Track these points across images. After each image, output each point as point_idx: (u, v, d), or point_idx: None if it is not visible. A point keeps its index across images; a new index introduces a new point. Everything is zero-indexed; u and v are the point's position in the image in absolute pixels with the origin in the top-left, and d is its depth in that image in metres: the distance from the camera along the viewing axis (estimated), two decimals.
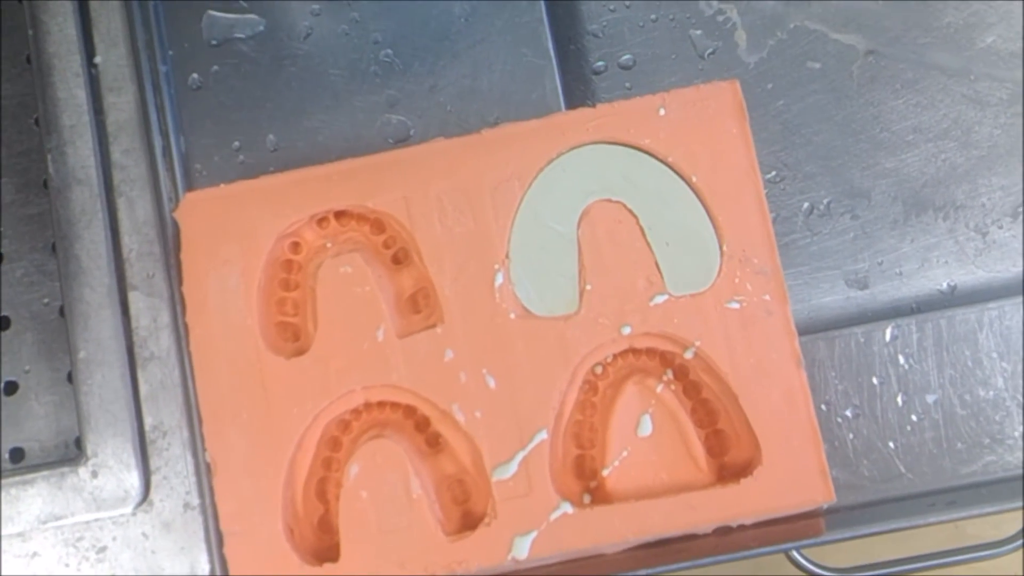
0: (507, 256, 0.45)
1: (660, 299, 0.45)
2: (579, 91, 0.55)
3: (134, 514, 0.47)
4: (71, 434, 0.52)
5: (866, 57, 0.53)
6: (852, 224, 0.52)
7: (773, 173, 0.52)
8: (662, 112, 0.46)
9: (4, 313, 0.52)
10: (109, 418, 0.48)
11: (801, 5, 0.54)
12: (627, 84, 0.55)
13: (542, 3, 0.51)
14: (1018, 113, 0.52)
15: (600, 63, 0.55)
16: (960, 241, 0.51)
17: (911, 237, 0.52)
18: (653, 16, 0.55)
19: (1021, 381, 0.47)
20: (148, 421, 0.48)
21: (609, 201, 0.46)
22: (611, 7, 0.55)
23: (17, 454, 0.51)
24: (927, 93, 0.53)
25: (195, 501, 0.47)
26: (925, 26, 0.53)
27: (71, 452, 0.51)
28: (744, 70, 0.54)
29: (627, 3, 0.55)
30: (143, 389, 0.48)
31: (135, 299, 0.49)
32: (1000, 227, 0.51)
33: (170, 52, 0.51)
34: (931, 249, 0.52)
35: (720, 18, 0.55)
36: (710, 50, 0.54)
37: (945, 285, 0.51)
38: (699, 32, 0.55)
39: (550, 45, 0.51)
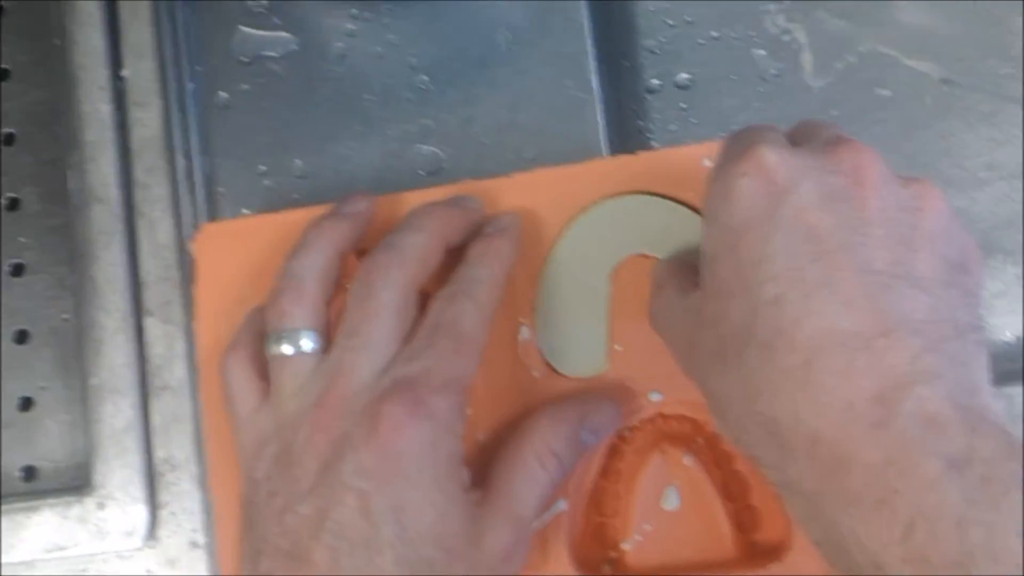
0: (533, 310, 0.43)
1: None
2: (630, 110, 0.52)
3: (140, 549, 0.46)
4: (84, 455, 0.50)
5: (940, 86, 0.50)
6: None
7: None
8: (707, 163, 0.43)
9: (23, 327, 0.51)
10: (118, 449, 0.46)
11: (873, 27, 0.51)
12: (682, 104, 0.52)
13: (588, 33, 0.48)
14: None
15: (655, 81, 0.52)
16: None
17: None
18: (715, 33, 0.52)
19: None
20: (158, 454, 0.47)
21: (645, 256, 0.43)
22: (670, 22, 0.53)
23: (30, 472, 0.50)
24: (1004, 128, 0.50)
25: (201, 539, 0.46)
26: (1005, 55, 0.50)
27: (83, 474, 0.50)
28: (808, 95, 0.51)
29: (688, 18, 0.53)
30: (154, 420, 0.47)
31: (151, 325, 0.47)
32: None
33: (198, 68, 0.49)
34: (998, 296, 0.49)
35: (786, 38, 0.52)
36: (773, 72, 0.52)
37: (1010, 335, 0.48)
38: (762, 52, 0.52)
39: (594, 78, 0.48)
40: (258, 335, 0.41)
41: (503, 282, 0.41)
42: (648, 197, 0.43)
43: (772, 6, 0.52)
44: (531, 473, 0.38)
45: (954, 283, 0.32)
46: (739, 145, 0.34)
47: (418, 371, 0.37)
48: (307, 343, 0.39)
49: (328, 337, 0.40)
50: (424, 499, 0.36)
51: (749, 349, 0.32)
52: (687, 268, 0.40)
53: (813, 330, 0.30)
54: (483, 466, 0.40)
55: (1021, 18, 0.51)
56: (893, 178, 0.33)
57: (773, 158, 0.32)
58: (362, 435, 0.36)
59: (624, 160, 0.44)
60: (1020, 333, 0.48)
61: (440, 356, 0.38)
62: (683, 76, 0.52)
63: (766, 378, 0.31)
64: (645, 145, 0.52)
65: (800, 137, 0.36)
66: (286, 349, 0.39)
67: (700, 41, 0.52)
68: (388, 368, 0.38)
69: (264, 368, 0.40)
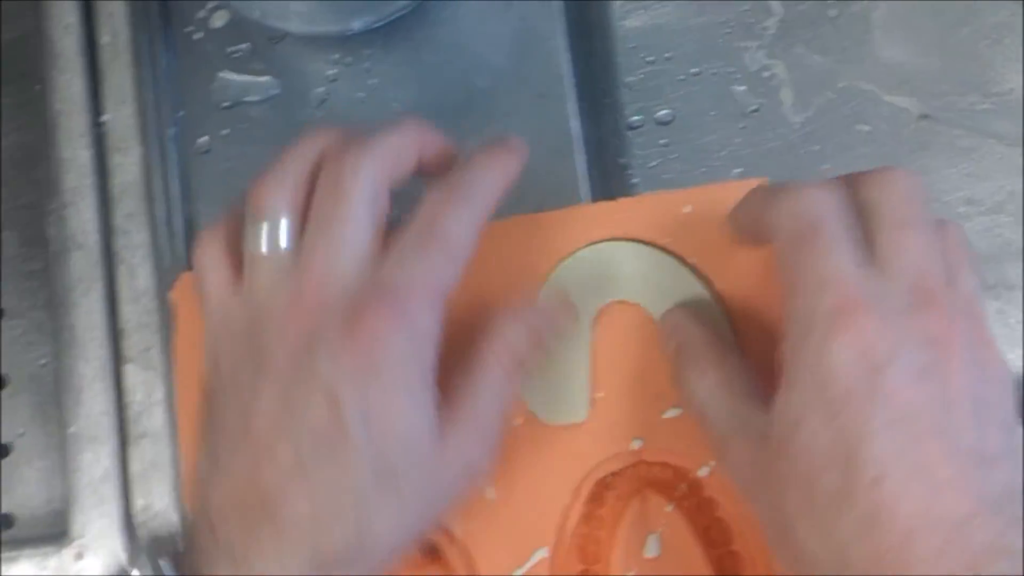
0: None
1: (673, 413, 0.42)
2: (612, 147, 0.52)
3: None
4: (61, 503, 0.50)
5: (919, 121, 0.51)
6: None
7: None
8: (688, 209, 0.43)
9: (1, 372, 0.51)
10: (96, 499, 0.46)
11: (853, 63, 0.52)
12: (663, 140, 0.52)
13: (568, 76, 0.48)
14: None
15: (636, 117, 0.52)
16: (1011, 324, 0.48)
17: None
18: (695, 69, 0.52)
19: None
20: (137, 502, 0.46)
21: (626, 303, 0.43)
22: (649, 58, 0.53)
23: (6, 520, 0.50)
24: (983, 163, 0.50)
25: None
26: (984, 91, 0.50)
27: (60, 522, 0.49)
28: (789, 130, 0.51)
29: (668, 54, 0.53)
30: (133, 468, 0.46)
31: (130, 372, 0.47)
32: None
33: (179, 113, 0.49)
34: None
35: (766, 74, 0.52)
36: (753, 107, 0.52)
37: None
38: (743, 88, 0.52)
39: (574, 121, 0.48)
40: (238, 218, 0.39)
41: (502, 195, 0.40)
42: (629, 243, 0.43)
43: (752, 42, 0.52)
44: (491, 376, 0.38)
45: (1012, 449, 0.34)
46: (818, 271, 0.34)
47: (405, 278, 0.36)
48: (284, 225, 0.37)
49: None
50: (396, 407, 0.35)
51: (847, 520, 0.33)
52: (717, 357, 0.40)
53: (911, 511, 0.32)
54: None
55: (1000, 53, 0.51)
56: (970, 344, 0.34)
57: (872, 331, 0.33)
58: (340, 335, 0.35)
59: (605, 206, 0.44)
60: None
61: (429, 266, 0.37)
62: (663, 112, 0.52)
63: (863, 552, 0.32)
64: (626, 182, 0.52)
65: (866, 209, 0.36)
66: (262, 231, 0.37)
67: (680, 77, 0.52)
68: (374, 267, 0.37)
69: (239, 254, 0.39)
